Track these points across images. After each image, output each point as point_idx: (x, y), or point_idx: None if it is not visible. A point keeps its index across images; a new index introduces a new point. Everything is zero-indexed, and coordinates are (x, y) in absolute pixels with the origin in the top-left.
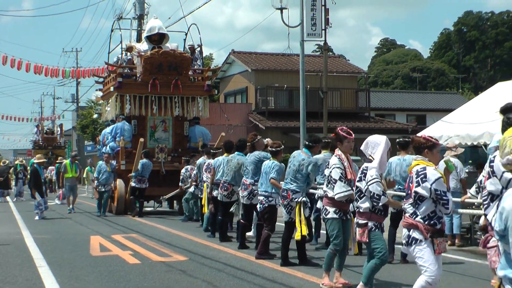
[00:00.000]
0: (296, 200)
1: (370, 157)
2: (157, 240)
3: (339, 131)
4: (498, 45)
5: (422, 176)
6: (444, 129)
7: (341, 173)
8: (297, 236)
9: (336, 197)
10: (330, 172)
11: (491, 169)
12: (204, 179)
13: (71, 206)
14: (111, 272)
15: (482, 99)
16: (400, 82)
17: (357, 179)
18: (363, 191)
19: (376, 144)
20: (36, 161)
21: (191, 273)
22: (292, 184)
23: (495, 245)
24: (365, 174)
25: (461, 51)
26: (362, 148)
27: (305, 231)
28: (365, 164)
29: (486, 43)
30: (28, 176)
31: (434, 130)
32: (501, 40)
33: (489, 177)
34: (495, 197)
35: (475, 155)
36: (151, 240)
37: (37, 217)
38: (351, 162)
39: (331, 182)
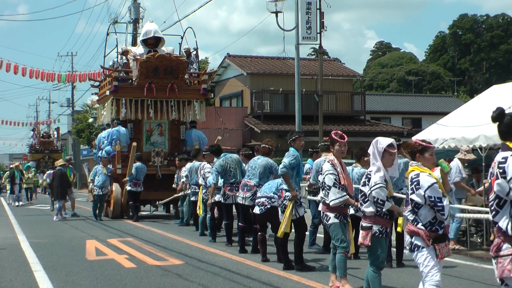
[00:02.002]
0: (288, 198)
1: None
2: (153, 244)
3: (332, 134)
4: (493, 48)
5: (416, 183)
6: (440, 132)
7: (335, 179)
8: (280, 233)
9: (331, 204)
10: (324, 178)
11: (501, 170)
12: (200, 182)
13: (66, 210)
14: (107, 276)
15: (477, 102)
16: (395, 85)
17: (362, 183)
18: (367, 196)
19: (379, 145)
20: (59, 164)
21: (187, 277)
22: (284, 184)
23: (510, 253)
24: (369, 178)
25: (456, 54)
26: (369, 150)
27: (288, 229)
28: (370, 168)
29: (481, 46)
30: (48, 180)
31: (430, 133)
32: (496, 43)
33: (497, 179)
34: (502, 201)
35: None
36: (147, 244)
37: (56, 218)
38: (345, 167)
39: (325, 188)
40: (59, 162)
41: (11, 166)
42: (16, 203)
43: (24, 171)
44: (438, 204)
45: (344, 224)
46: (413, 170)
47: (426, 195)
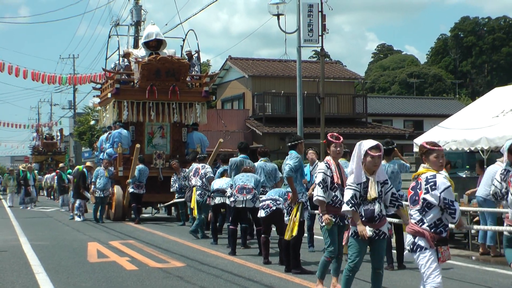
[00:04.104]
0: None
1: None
2: (154, 246)
3: (328, 136)
4: (495, 51)
5: (432, 183)
6: (441, 135)
7: (323, 179)
8: (288, 236)
9: (313, 199)
10: (315, 177)
11: None
12: (193, 183)
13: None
14: (109, 278)
15: (479, 104)
16: (397, 87)
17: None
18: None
19: (362, 147)
20: (86, 165)
21: (189, 280)
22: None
23: None
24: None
25: (458, 57)
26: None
27: (295, 232)
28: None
29: (483, 49)
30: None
31: (432, 136)
32: (498, 45)
33: None
34: None
35: (472, 160)
36: (148, 246)
37: (77, 218)
38: (342, 168)
39: None
40: (87, 163)
41: (11, 168)
42: (29, 206)
43: (36, 173)
44: (452, 207)
45: (339, 227)
46: (427, 171)
47: (441, 196)
